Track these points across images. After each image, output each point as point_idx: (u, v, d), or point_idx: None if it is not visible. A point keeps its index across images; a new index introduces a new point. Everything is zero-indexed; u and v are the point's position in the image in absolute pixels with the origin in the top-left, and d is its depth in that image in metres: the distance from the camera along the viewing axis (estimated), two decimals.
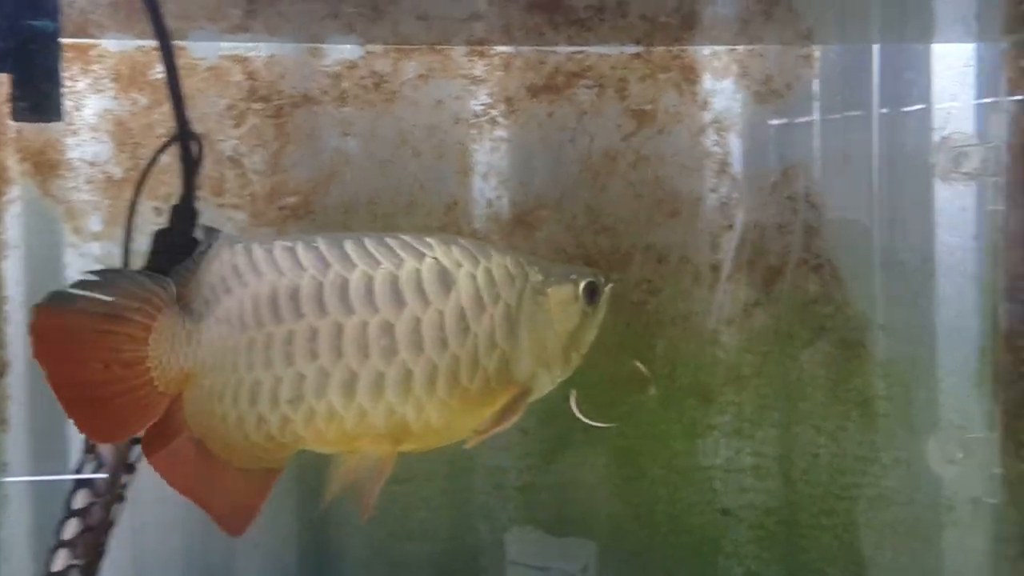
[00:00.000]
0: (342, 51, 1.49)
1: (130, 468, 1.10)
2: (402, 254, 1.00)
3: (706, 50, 1.53)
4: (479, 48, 1.51)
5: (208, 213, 1.45)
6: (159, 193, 1.44)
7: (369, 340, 0.97)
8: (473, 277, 1.02)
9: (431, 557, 1.56)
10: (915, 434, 1.54)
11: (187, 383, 0.98)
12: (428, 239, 1.03)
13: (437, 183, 1.50)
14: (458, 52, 1.51)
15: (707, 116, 1.53)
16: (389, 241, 1.01)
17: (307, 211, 1.48)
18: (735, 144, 1.53)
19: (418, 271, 0.99)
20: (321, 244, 0.99)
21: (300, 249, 0.98)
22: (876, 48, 1.56)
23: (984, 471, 1.50)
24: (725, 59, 1.53)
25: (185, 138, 1.13)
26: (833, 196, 1.55)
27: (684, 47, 1.52)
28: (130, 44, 1.46)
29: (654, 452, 1.54)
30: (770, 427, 1.54)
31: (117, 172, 1.47)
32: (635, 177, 1.52)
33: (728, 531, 1.55)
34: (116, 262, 1.22)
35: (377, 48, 1.49)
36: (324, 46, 1.49)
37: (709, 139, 1.53)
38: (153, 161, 1.21)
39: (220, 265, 0.99)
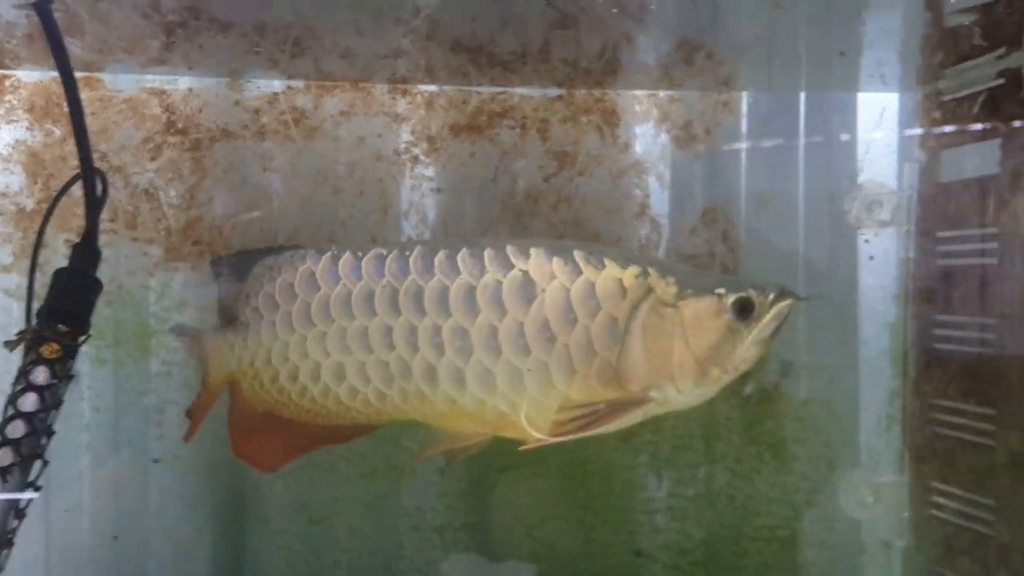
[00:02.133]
0: (262, 86, 1.48)
1: (20, 514, 1.07)
2: (489, 266, 1.13)
3: (627, 94, 1.54)
4: (402, 86, 1.50)
5: (122, 247, 1.44)
6: (72, 225, 1.43)
7: (443, 340, 1.13)
8: (566, 289, 1.11)
9: None
10: (827, 476, 1.55)
11: (230, 379, 1.25)
12: (534, 249, 1.13)
13: (357, 220, 1.50)
14: (380, 89, 1.50)
15: (628, 159, 1.54)
16: (487, 252, 1.14)
17: (223, 247, 1.46)
18: (655, 187, 1.55)
19: (499, 282, 1.12)
20: (415, 253, 1.16)
21: (390, 257, 1.17)
22: (800, 96, 1.58)
23: (894, 514, 1.52)
24: (646, 103, 1.54)
25: (88, 175, 1.11)
26: (752, 238, 1.56)
27: (605, 91, 1.53)
28: (46, 75, 1.44)
29: (570, 492, 1.54)
30: (685, 468, 1.55)
31: (29, 204, 1.44)
32: (556, 218, 1.53)
33: (642, 572, 1.55)
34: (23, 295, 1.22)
35: (298, 84, 1.48)
36: (244, 80, 1.47)
37: (629, 181, 1.54)
38: (58, 198, 1.20)
39: (289, 275, 1.21)
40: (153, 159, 1.46)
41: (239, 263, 1.28)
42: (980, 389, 1.34)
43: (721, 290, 1.10)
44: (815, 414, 1.55)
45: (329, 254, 1.20)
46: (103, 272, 1.18)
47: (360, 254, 1.18)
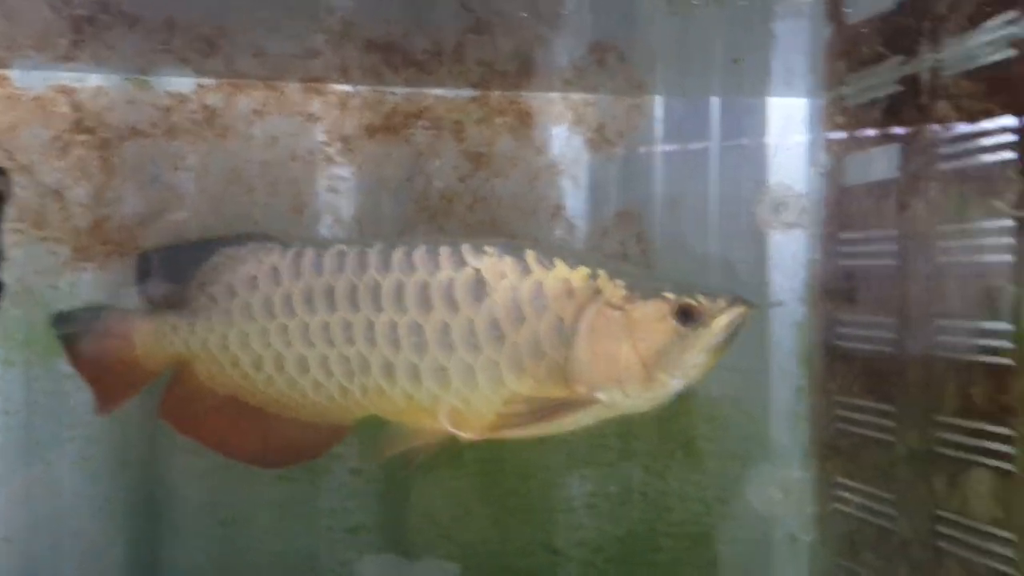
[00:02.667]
0: (173, 84, 1.47)
1: None
2: (444, 263, 1.14)
3: (541, 97, 1.56)
4: (316, 85, 1.50)
5: (30, 247, 1.42)
6: None
7: (400, 336, 1.15)
8: (515, 289, 1.12)
9: None
10: (738, 473, 1.58)
11: (176, 359, 1.26)
12: (489, 248, 1.14)
13: (271, 220, 1.49)
14: (294, 89, 1.50)
15: (542, 161, 1.56)
16: (443, 249, 1.15)
17: (133, 247, 1.45)
18: (570, 188, 1.57)
19: (452, 280, 1.13)
20: (374, 249, 1.18)
21: (351, 254, 1.19)
22: (712, 100, 1.61)
23: (800, 509, 1.56)
24: (560, 106, 1.56)
25: None
26: (666, 240, 1.59)
27: (520, 93, 1.55)
28: None
29: (486, 491, 1.55)
30: (601, 466, 1.57)
31: None
32: (472, 219, 1.54)
33: (558, 570, 1.57)
34: None
35: (210, 82, 1.47)
36: (154, 78, 1.46)
37: (544, 183, 1.56)
38: None
39: (252, 267, 1.23)
40: (61, 158, 1.44)
41: (189, 251, 1.30)
42: (880, 387, 1.38)
43: (669, 294, 1.10)
44: (727, 413, 1.58)
45: (293, 250, 1.23)
46: (10, 272, 1.17)
47: (322, 250, 1.21)
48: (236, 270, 1.24)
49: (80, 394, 1.46)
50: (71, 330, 1.32)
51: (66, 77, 1.44)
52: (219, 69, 1.45)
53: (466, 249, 1.16)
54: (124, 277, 1.45)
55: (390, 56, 1.43)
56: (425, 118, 1.53)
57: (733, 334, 1.11)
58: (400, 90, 1.52)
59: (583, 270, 1.12)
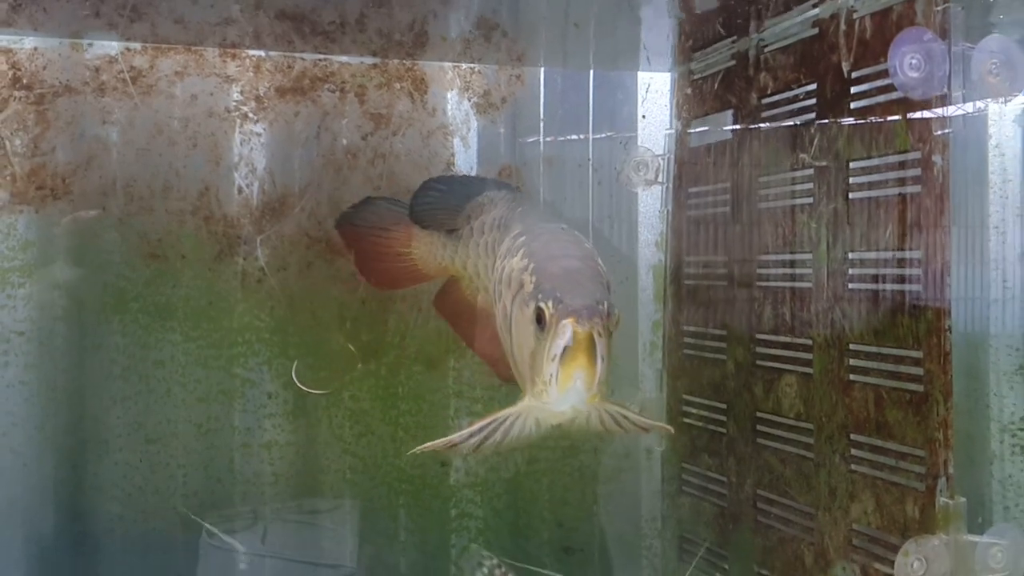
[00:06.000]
0: (102, 47, 1.63)
1: None
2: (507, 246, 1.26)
3: (434, 65, 1.77)
4: (232, 50, 1.68)
5: None
6: None
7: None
8: (502, 270, 1.22)
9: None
10: (604, 396, 1.81)
11: (448, 271, 1.50)
12: (523, 236, 1.24)
13: (191, 170, 1.67)
14: (212, 53, 1.67)
15: (435, 122, 1.77)
16: (523, 238, 1.24)
17: (65, 192, 1.61)
18: (459, 147, 1.78)
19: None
20: (521, 222, 1.32)
21: (513, 225, 1.33)
22: (587, 72, 1.84)
23: None
24: (451, 74, 1.77)
25: None
26: (545, 194, 1.81)
27: (416, 61, 1.75)
28: None
29: (384, 412, 1.76)
30: (484, 389, 1.78)
31: None
32: (373, 172, 1.74)
33: (446, 479, 1.78)
34: None
35: (136, 46, 1.64)
36: (85, 41, 1.62)
37: (437, 142, 1.77)
38: None
39: (492, 213, 1.41)
40: (0, 112, 1.59)
41: (465, 185, 1.53)
42: (716, 315, 1.62)
43: (540, 296, 1.04)
44: None
45: (510, 208, 1.40)
46: None
47: (510, 215, 1.37)
48: (486, 211, 1.43)
49: (15, 324, 1.62)
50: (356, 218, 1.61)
51: (4, 39, 1.59)
52: (144, 34, 1.61)
53: (526, 237, 1.23)
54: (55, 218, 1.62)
55: (299, 25, 1.62)
56: (331, 82, 1.72)
57: (585, 354, 1.02)
58: (309, 56, 1.71)
59: (523, 261, 1.12)
